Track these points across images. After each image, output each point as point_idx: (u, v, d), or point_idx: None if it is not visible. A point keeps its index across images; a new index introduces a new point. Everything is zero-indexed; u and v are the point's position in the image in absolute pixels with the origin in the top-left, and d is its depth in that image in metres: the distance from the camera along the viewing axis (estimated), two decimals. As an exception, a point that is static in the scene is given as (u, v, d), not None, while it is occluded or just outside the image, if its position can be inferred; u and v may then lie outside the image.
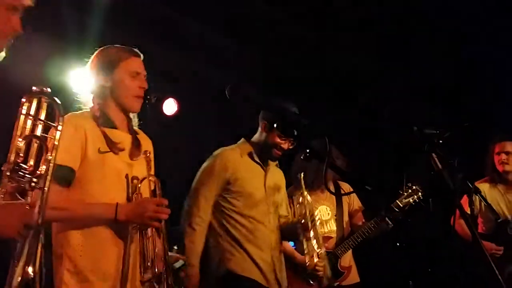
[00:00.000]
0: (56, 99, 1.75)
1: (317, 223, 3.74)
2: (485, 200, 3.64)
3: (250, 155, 3.28)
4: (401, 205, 3.72)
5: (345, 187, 4.06)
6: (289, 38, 5.22)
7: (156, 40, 4.56)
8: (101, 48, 2.44)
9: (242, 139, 3.38)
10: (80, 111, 2.40)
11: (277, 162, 3.42)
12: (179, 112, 4.96)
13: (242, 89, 2.11)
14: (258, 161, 3.29)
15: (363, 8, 4.86)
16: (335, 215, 3.96)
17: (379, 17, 5.01)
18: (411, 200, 3.77)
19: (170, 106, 4.87)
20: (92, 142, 2.25)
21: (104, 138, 2.29)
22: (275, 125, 3.02)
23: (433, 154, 1.99)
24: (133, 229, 2.23)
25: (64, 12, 4.07)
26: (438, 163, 1.97)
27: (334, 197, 4.00)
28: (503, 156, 4.10)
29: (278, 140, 3.16)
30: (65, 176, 2.18)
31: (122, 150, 2.32)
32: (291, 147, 3.23)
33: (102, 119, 2.33)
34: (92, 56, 2.42)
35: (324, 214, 3.94)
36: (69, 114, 2.31)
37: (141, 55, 2.44)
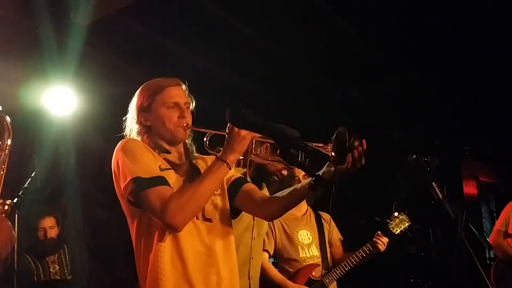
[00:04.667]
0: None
1: (298, 247, 3.73)
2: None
3: None
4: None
5: (325, 216, 4.01)
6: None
7: (138, 61, 4.51)
8: (141, 86, 2.33)
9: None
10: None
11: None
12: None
13: (243, 113, 2.01)
14: None
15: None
16: (319, 242, 3.87)
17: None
18: (398, 230, 3.77)
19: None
20: (154, 159, 2.17)
21: (164, 159, 2.21)
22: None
23: (433, 184, 1.93)
24: None
25: (41, 33, 3.96)
26: (439, 193, 1.91)
27: (314, 222, 3.93)
28: None
29: (279, 166, 3.03)
30: (165, 181, 2.09)
31: (183, 172, 2.23)
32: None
33: (158, 149, 2.24)
34: (134, 97, 2.33)
35: (304, 239, 3.85)
36: (129, 138, 2.26)
37: (181, 84, 2.31)
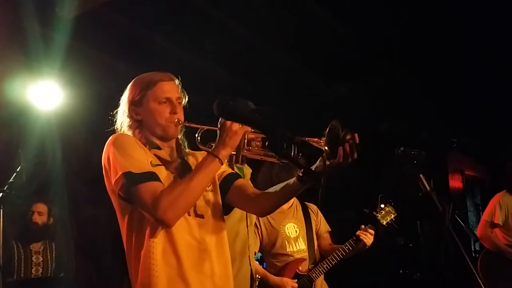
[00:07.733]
0: None
1: (285, 242, 3.72)
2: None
3: None
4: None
5: (313, 208, 4.00)
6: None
7: (125, 56, 4.47)
8: (133, 79, 2.29)
9: None
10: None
11: None
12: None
13: (231, 104, 1.99)
14: None
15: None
16: (306, 235, 3.86)
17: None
18: (384, 222, 3.78)
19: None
20: (146, 155, 2.14)
21: (155, 155, 2.18)
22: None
23: (421, 176, 1.94)
24: None
25: (26, 26, 3.91)
26: (427, 185, 1.92)
27: (301, 214, 3.92)
28: None
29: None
30: (156, 176, 2.06)
31: (173, 168, 2.20)
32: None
33: (149, 144, 2.21)
34: (125, 90, 2.28)
35: (291, 232, 3.83)
36: (120, 133, 2.22)
37: (174, 79, 2.27)
